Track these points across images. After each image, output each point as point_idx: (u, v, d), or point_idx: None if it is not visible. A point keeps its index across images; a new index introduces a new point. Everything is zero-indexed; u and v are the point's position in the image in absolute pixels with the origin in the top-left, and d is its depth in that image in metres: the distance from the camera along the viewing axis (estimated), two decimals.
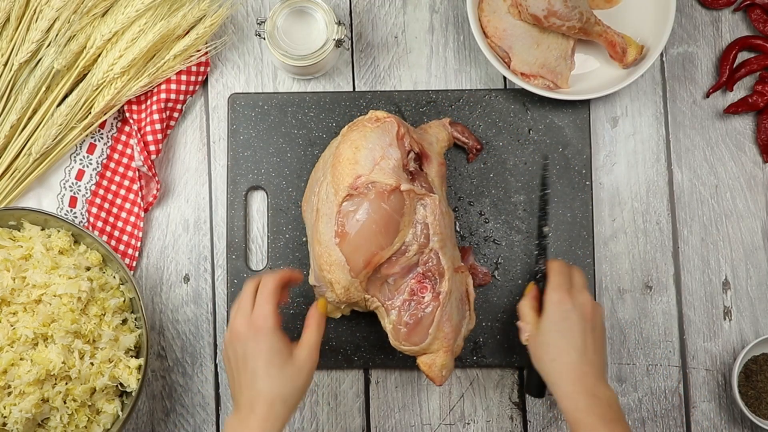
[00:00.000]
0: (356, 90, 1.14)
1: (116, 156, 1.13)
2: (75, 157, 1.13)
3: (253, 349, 0.89)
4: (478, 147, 1.09)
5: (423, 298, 0.98)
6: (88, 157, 1.13)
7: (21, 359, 0.98)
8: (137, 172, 1.10)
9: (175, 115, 1.12)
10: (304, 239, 1.10)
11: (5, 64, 1.08)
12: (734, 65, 1.13)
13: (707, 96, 1.14)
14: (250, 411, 0.87)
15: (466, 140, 1.09)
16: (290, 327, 1.09)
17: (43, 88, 1.09)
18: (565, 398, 0.91)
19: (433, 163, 1.03)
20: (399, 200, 0.97)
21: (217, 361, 1.11)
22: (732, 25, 1.15)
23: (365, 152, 0.97)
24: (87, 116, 1.10)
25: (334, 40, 1.05)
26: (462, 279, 1.02)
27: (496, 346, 1.10)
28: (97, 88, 1.09)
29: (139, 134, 1.10)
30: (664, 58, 1.15)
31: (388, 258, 0.98)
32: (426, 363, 1.00)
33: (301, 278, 0.99)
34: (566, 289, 0.96)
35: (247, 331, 0.90)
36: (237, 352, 0.91)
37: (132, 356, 1.03)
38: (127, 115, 1.11)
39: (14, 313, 1.00)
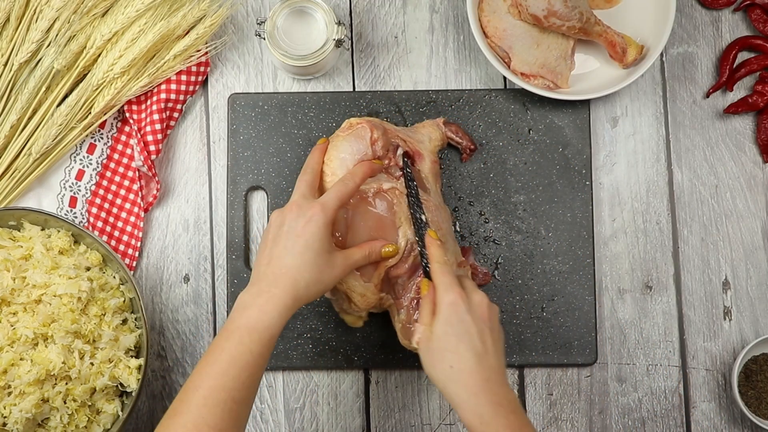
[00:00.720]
0: (356, 90, 1.14)
1: (116, 156, 1.13)
2: (75, 157, 1.13)
3: (301, 228, 0.88)
4: (472, 147, 1.09)
5: None
6: (88, 157, 1.13)
7: (21, 359, 0.98)
8: (137, 172, 1.10)
9: (175, 115, 1.12)
10: None
11: (5, 64, 1.08)
12: (734, 65, 1.13)
13: (707, 96, 1.14)
14: (272, 283, 0.85)
15: (460, 140, 1.09)
16: (290, 327, 1.09)
17: (43, 88, 1.09)
18: (468, 411, 0.83)
19: (426, 161, 1.03)
20: (385, 200, 0.97)
21: None
22: (732, 25, 1.15)
23: (337, 162, 0.98)
24: (87, 116, 1.10)
25: (334, 40, 1.05)
26: (465, 274, 1.02)
27: None
28: (97, 88, 1.09)
29: (139, 134, 1.10)
30: (664, 58, 1.15)
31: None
32: None
33: (381, 169, 0.97)
34: (459, 288, 0.88)
35: (304, 208, 0.89)
36: (284, 222, 0.89)
37: (132, 356, 1.03)
38: (127, 115, 1.11)
39: (14, 313, 1.00)
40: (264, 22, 1.05)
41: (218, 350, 0.83)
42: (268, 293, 0.85)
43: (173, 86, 1.10)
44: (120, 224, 1.12)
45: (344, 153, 0.98)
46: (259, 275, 0.87)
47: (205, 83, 1.15)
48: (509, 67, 1.09)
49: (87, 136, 1.12)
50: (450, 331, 0.86)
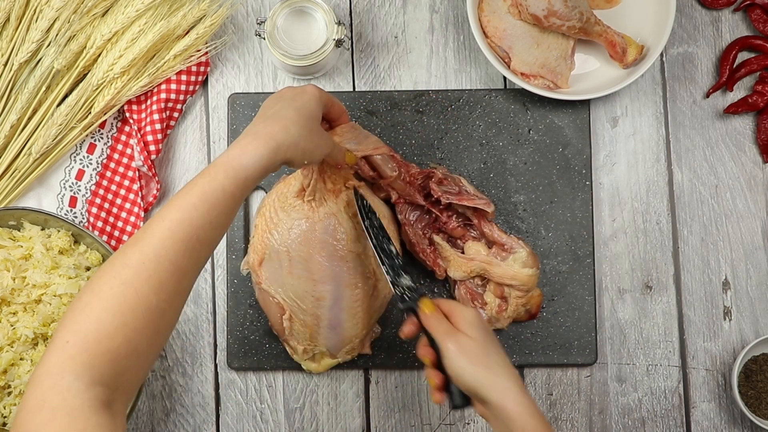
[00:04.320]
0: (356, 90, 1.14)
1: (116, 156, 1.13)
2: (75, 157, 1.13)
3: (295, 96, 0.89)
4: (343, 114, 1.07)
5: None
6: (88, 157, 1.13)
7: (21, 359, 0.98)
8: (137, 172, 1.10)
9: (175, 115, 1.12)
10: None
11: (5, 64, 1.08)
12: (734, 65, 1.13)
13: (707, 96, 1.14)
14: (261, 128, 0.84)
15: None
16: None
17: (43, 88, 1.09)
18: (519, 405, 0.84)
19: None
20: (324, 225, 1.00)
21: (216, 361, 1.11)
22: (732, 25, 1.15)
23: (260, 229, 1.02)
24: (87, 116, 1.10)
25: (334, 40, 1.05)
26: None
27: None
28: (97, 88, 1.09)
29: (139, 134, 1.10)
30: (664, 58, 1.15)
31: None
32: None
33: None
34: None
35: (297, 89, 0.91)
36: (280, 95, 0.90)
37: None
38: (127, 115, 1.11)
39: (14, 313, 1.00)
40: (264, 22, 1.05)
41: (191, 185, 0.80)
42: (254, 134, 0.83)
43: (173, 86, 1.10)
44: (120, 224, 1.12)
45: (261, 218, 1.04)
46: (253, 125, 0.86)
47: (205, 83, 1.15)
48: (509, 67, 1.09)
49: (87, 136, 1.12)
50: (488, 337, 0.87)
